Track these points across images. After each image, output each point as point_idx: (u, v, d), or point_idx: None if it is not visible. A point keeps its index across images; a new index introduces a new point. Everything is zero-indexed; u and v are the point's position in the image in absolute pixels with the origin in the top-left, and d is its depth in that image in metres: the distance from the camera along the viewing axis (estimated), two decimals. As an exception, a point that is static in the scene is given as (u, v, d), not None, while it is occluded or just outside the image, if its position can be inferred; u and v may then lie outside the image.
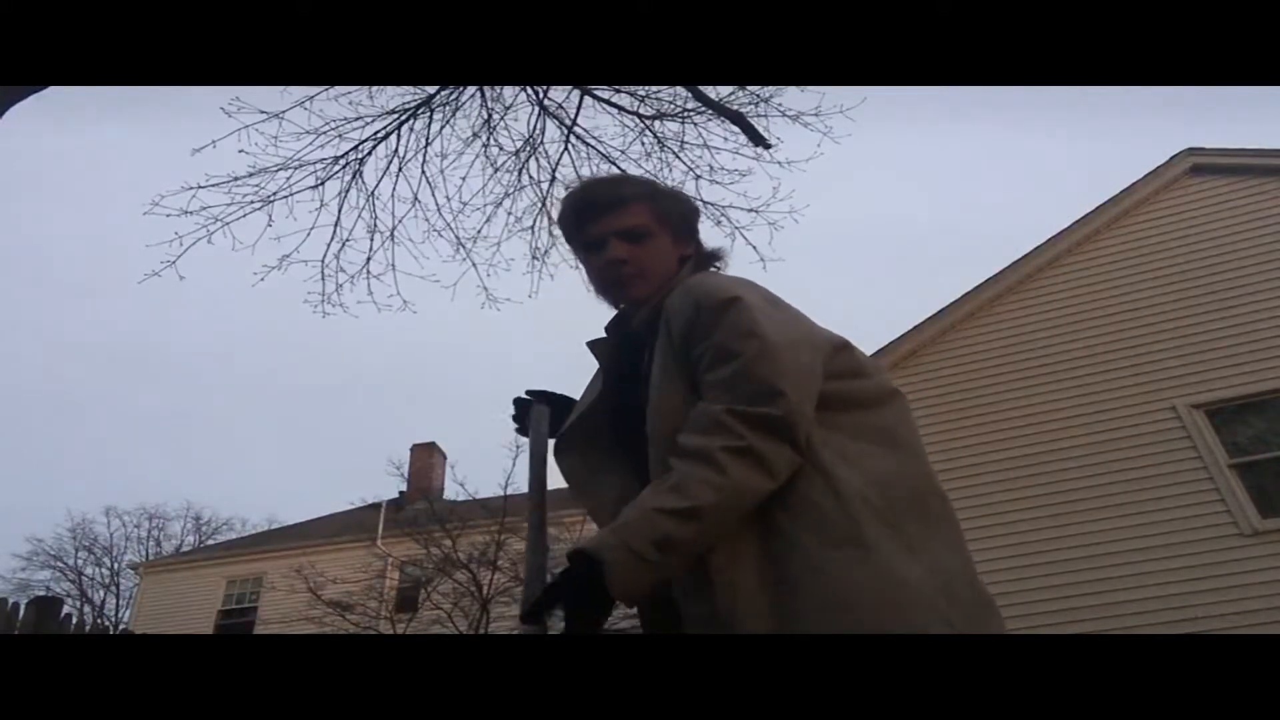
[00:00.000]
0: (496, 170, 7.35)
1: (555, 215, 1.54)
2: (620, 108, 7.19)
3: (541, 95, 7.08)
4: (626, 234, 1.37)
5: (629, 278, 1.36)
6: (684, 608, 1.15)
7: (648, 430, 1.22)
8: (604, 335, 1.49)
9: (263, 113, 6.18)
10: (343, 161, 6.85)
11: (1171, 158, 8.29)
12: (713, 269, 1.44)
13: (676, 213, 1.43)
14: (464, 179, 8.83)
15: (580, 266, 1.50)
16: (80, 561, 27.19)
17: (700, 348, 1.19)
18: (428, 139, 7.03)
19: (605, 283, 1.40)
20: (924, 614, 1.01)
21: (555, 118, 7.22)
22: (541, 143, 7.28)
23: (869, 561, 1.03)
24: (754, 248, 7.36)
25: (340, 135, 6.70)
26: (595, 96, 7.11)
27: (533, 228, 7.54)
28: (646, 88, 7.01)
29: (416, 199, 7.17)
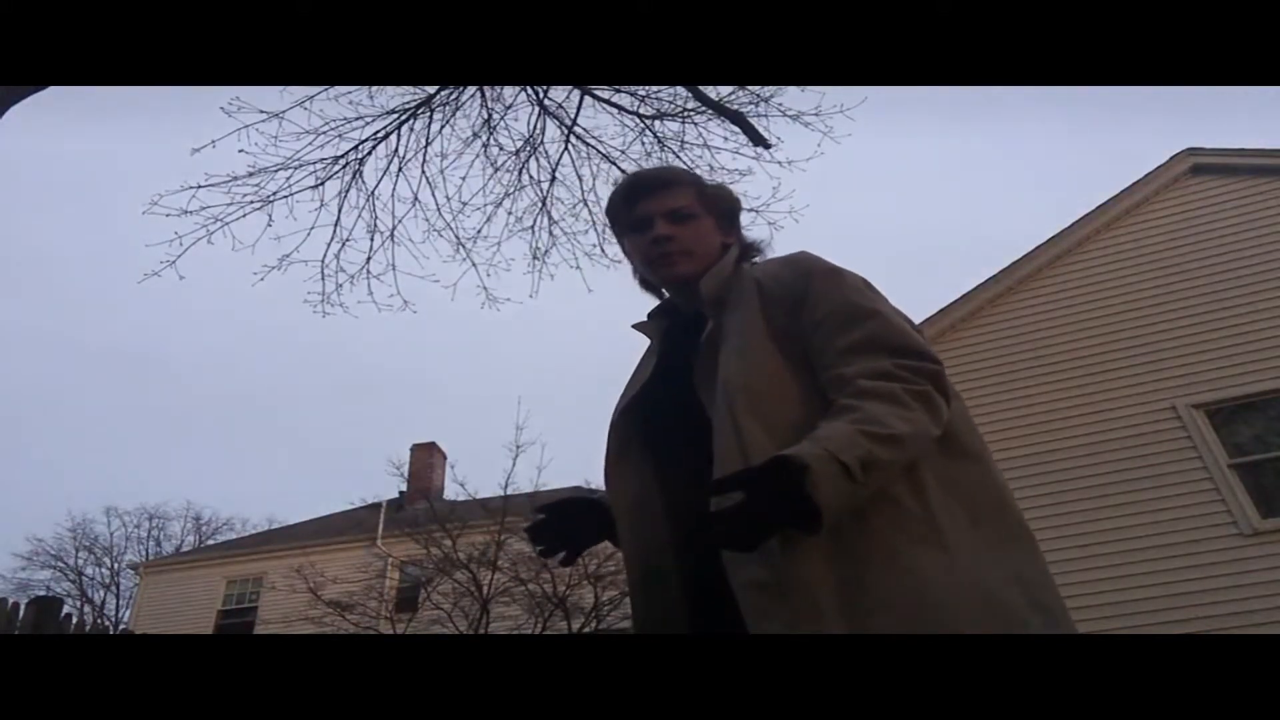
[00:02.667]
0: (496, 170, 7.36)
1: (605, 206, 1.52)
2: (620, 108, 7.19)
3: (541, 95, 7.08)
4: (673, 214, 1.39)
5: (675, 255, 1.38)
6: (754, 602, 1.05)
7: (725, 388, 1.17)
8: (648, 318, 1.50)
9: (263, 113, 6.19)
10: (343, 161, 6.85)
11: (1171, 158, 8.29)
12: (755, 260, 1.45)
13: (721, 199, 1.47)
14: (464, 179, 8.86)
15: (624, 254, 1.53)
16: (80, 561, 27.21)
17: (823, 309, 1.20)
18: (428, 139, 7.04)
19: (651, 260, 1.41)
20: (1007, 618, 1.00)
21: (555, 118, 7.23)
22: (541, 143, 7.29)
23: (954, 563, 1.02)
24: (754, 247, 7.34)
25: (340, 135, 6.71)
26: (595, 96, 7.11)
27: (533, 228, 7.53)
28: (646, 88, 7.01)
29: (416, 199, 7.17)
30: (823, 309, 1.21)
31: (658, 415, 1.34)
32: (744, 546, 0.98)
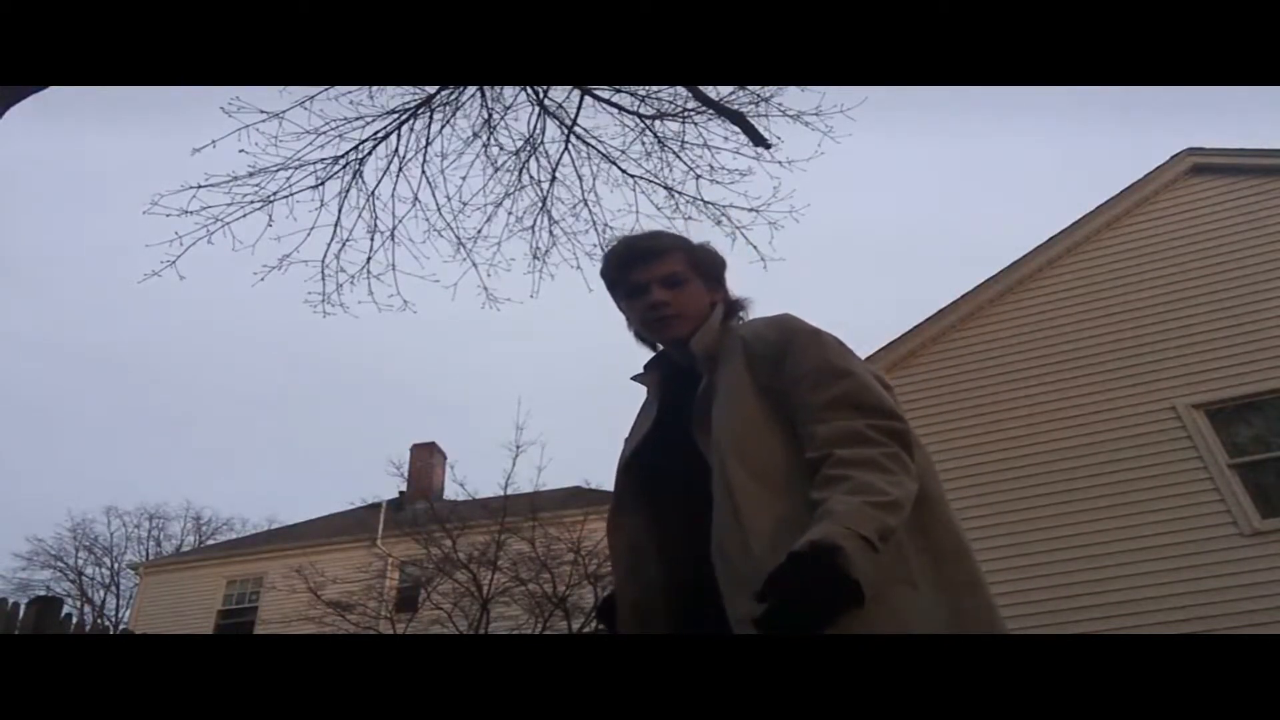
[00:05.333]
0: (496, 170, 7.35)
1: (600, 268, 1.66)
2: (620, 108, 7.18)
3: (541, 95, 7.07)
4: (666, 280, 1.51)
5: (670, 319, 1.51)
6: (740, 609, 1.14)
7: (716, 438, 1.30)
8: (645, 370, 1.64)
9: (263, 113, 6.17)
10: (343, 161, 6.85)
11: (1171, 158, 8.29)
12: (739, 315, 1.59)
13: (708, 262, 1.59)
14: (464, 179, 8.81)
15: (623, 308, 1.64)
16: (80, 561, 27.20)
17: (802, 367, 1.33)
18: (428, 139, 7.03)
19: (648, 323, 1.54)
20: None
21: (555, 118, 7.22)
22: (541, 143, 7.28)
23: (921, 599, 1.14)
24: (754, 247, 7.33)
25: (340, 135, 6.69)
26: (595, 96, 7.11)
27: (533, 228, 7.52)
28: (646, 88, 7.00)
29: (416, 199, 7.16)
30: (802, 367, 1.33)
31: (660, 461, 1.47)
32: (805, 630, 1.03)
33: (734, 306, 1.60)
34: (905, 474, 1.18)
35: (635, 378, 1.66)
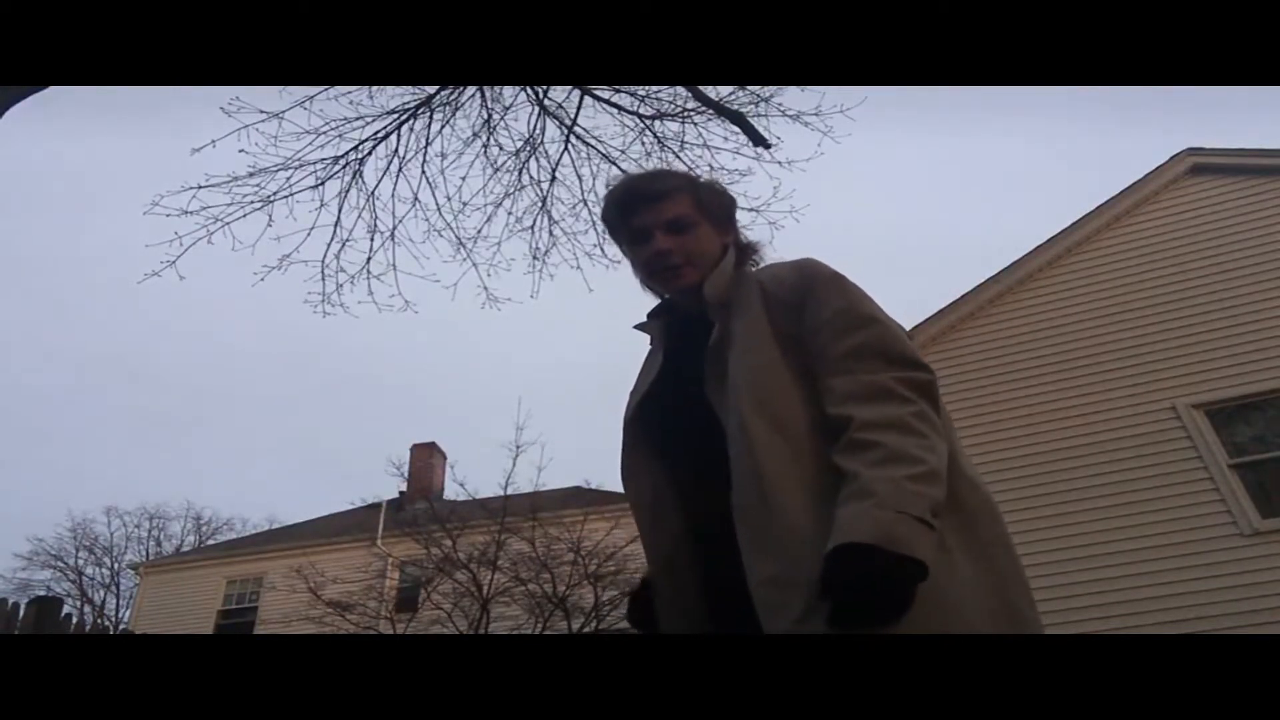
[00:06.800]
0: (496, 170, 7.35)
1: (600, 211, 1.54)
2: (620, 108, 7.18)
3: (541, 95, 7.07)
4: (671, 224, 1.41)
5: (677, 266, 1.41)
6: (768, 597, 1.08)
7: (734, 386, 1.23)
8: (648, 319, 1.54)
9: (263, 113, 6.17)
10: (343, 161, 6.85)
11: (1171, 158, 8.29)
12: (752, 260, 1.50)
13: (715, 202, 1.48)
14: (464, 179, 8.80)
15: (625, 258, 1.54)
16: (80, 561, 27.21)
17: (825, 313, 1.24)
18: (428, 139, 7.03)
19: (653, 271, 1.44)
20: (1011, 617, 1.06)
21: (555, 118, 7.22)
22: (541, 143, 7.28)
23: (954, 562, 1.07)
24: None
25: (340, 135, 6.69)
26: (595, 96, 7.11)
27: (533, 228, 7.52)
28: (646, 88, 7.00)
29: (416, 199, 7.16)
30: (825, 314, 1.25)
31: (668, 415, 1.38)
32: (887, 620, 0.98)
33: (747, 250, 1.50)
34: (936, 434, 1.11)
35: (638, 326, 1.57)
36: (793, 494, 1.11)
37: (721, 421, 1.24)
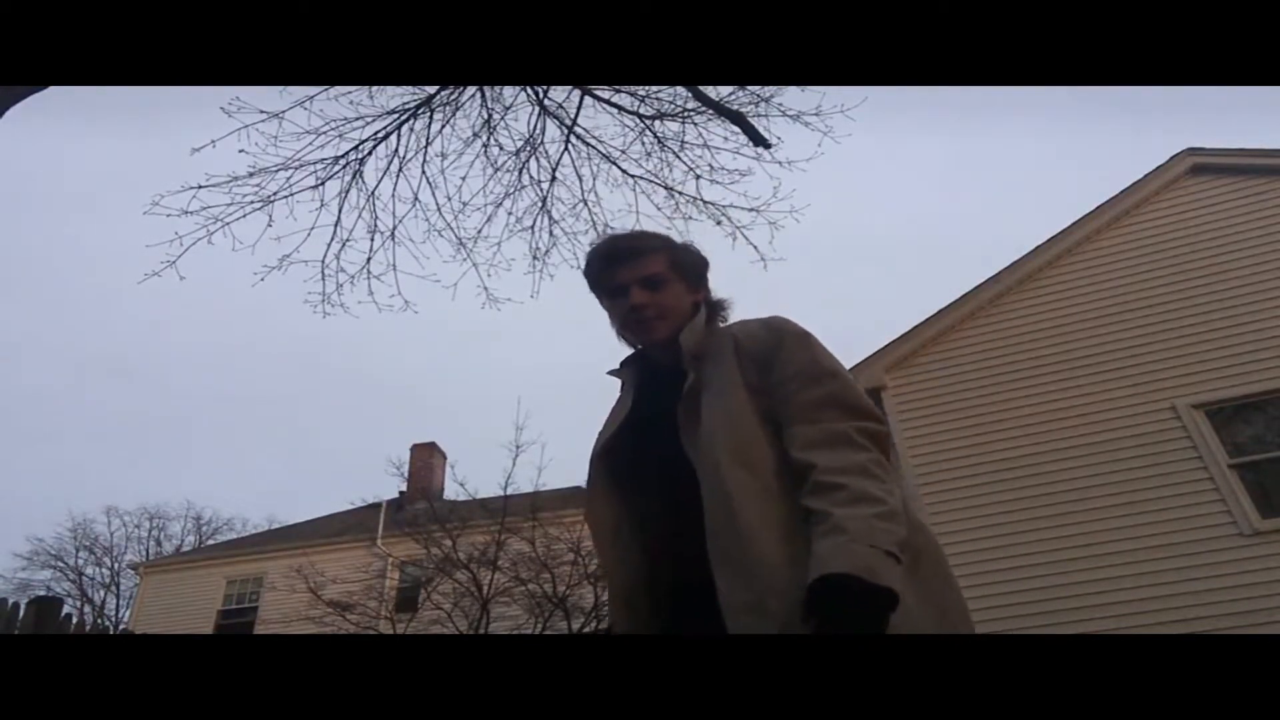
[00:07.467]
0: (496, 170, 7.34)
1: (582, 266, 1.65)
2: (620, 108, 7.18)
3: (541, 95, 7.07)
4: (646, 281, 1.52)
5: (650, 320, 1.51)
6: (741, 623, 1.16)
7: (708, 430, 1.32)
8: (620, 367, 1.65)
9: (263, 113, 6.17)
10: (343, 161, 6.84)
11: (1171, 158, 8.29)
12: (721, 316, 1.61)
13: (689, 263, 1.59)
14: (464, 179, 8.77)
15: (605, 308, 1.64)
16: (80, 561, 27.23)
17: (792, 367, 1.36)
18: (428, 139, 7.03)
19: (628, 324, 1.55)
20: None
21: (555, 118, 7.22)
22: (541, 143, 7.28)
23: (902, 599, 1.14)
24: (754, 247, 7.33)
25: (340, 135, 6.69)
26: (595, 96, 7.10)
27: (533, 228, 7.52)
28: (646, 88, 7.00)
29: (417, 199, 7.16)
30: (791, 367, 1.36)
31: (634, 457, 1.47)
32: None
33: (716, 307, 1.61)
34: (891, 479, 1.22)
35: (612, 372, 1.68)
36: (764, 528, 1.21)
37: (691, 461, 1.32)
